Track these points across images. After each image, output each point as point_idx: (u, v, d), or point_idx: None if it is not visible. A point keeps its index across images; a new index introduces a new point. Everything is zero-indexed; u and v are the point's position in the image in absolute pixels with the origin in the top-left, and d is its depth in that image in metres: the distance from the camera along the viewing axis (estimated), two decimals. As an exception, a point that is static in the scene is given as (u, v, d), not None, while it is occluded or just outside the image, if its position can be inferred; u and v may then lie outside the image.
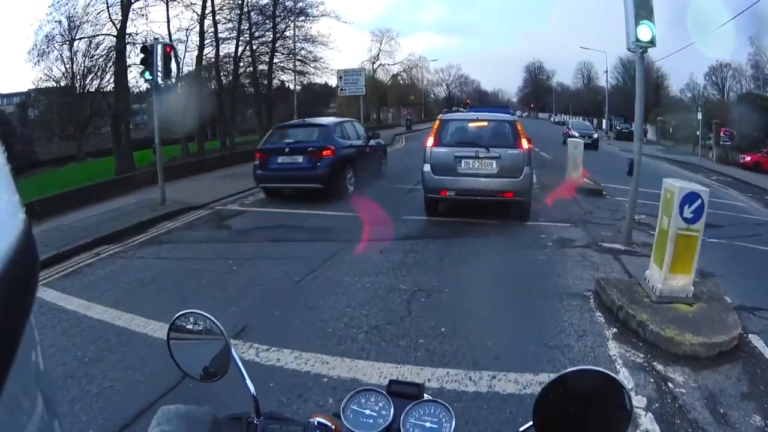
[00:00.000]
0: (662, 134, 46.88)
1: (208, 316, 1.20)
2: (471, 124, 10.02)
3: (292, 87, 41.28)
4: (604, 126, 54.39)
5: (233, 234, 9.26)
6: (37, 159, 29.31)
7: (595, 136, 33.06)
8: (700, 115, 27.52)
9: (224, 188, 13.63)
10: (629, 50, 7.64)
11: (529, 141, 9.46)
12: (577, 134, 26.98)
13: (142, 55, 11.37)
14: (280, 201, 11.92)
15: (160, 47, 11.24)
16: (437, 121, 10.02)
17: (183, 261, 7.62)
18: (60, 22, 24.48)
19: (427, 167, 9.48)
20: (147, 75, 11.30)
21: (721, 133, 29.83)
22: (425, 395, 1.23)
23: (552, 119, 78.13)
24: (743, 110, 30.79)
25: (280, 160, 11.75)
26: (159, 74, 11.11)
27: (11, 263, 0.41)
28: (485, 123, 9.94)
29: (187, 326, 1.22)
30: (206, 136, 32.77)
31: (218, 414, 1.11)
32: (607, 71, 53.05)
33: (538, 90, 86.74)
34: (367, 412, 1.19)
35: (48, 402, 0.54)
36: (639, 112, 7.94)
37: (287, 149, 11.74)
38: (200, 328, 1.21)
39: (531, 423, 1.03)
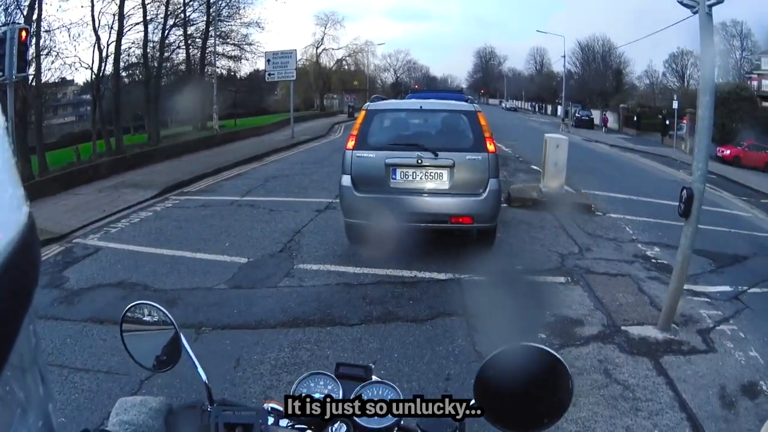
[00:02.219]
0: (625, 122, 44.94)
1: (158, 306, 1.24)
2: (411, 117, 7.34)
3: (235, 74, 39.28)
4: (559, 113, 52.53)
5: (60, 299, 6.19)
6: None
7: None
8: (675, 104, 25.62)
9: (102, 204, 11.04)
10: (683, 3, 4.70)
11: (492, 140, 6.70)
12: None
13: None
14: (150, 232, 8.94)
15: (14, 34, 9.11)
16: (362, 113, 7.04)
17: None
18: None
19: (346, 179, 6.69)
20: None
21: (684, 122, 28.15)
22: (373, 377, 1.30)
23: (504, 105, 78.54)
24: (720, 99, 28.92)
25: None
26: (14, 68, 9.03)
27: (16, 256, 0.41)
28: (433, 115, 7.31)
29: (138, 317, 1.26)
30: (127, 130, 29.66)
31: (173, 403, 1.16)
32: (564, 55, 51.29)
33: (489, 76, 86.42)
34: (317, 395, 1.23)
35: (47, 395, 0.54)
36: (706, 103, 4.76)
37: None
38: (150, 319, 1.26)
39: (473, 402, 1.08)
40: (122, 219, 9.75)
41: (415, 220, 6.54)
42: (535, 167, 14.04)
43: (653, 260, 7.27)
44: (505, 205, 9.17)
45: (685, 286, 5.51)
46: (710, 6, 4.68)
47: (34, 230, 0.47)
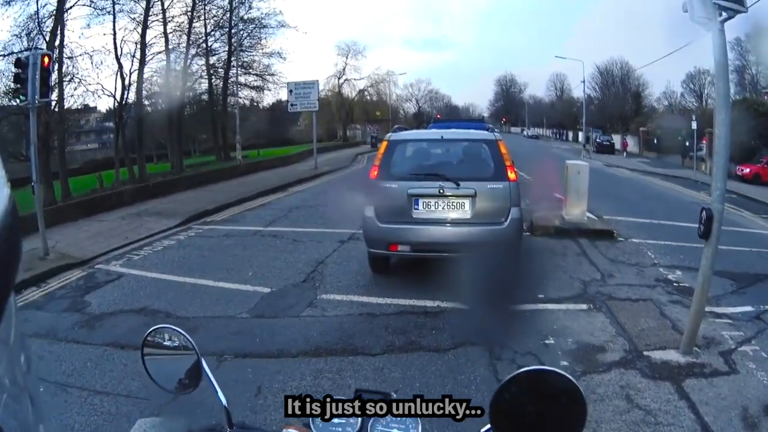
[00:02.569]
0: (645, 145, 44.44)
1: (180, 331, 1.26)
2: (433, 147, 7.33)
3: (258, 104, 39.79)
4: (581, 139, 52.03)
5: (80, 324, 6.22)
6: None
7: None
8: (694, 124, 25.24)
9: (125, 232, 11.13)
10: (696, 21, 4.67)
11: (513, 168, 6.65)
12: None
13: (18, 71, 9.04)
14: (173, 260, 8.94)
15: (37, 59, 8.84)
16: (384, 143, 7.06)
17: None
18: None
19: (369, 211, 6.67)
20: (21, 97, 9.08)
21: (703, 142, 27.67)
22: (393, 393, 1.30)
23: (525, 133, 77.96)
24: (738, 117, 28.39)
25: None
26: (37, 93, 8.76)
27: None
28: (454, 144, 7.29)
29: (160, 342, 1.28)
30: (150, 159, 30.05)
31: (193, 425, 1.23)
32: (584, 80, 51.02)
33: (510, 103, 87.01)
34: (336, 421, 1.25)
35: (32, 400, 0.53)
36: (723, 121, 4.72)
37: None
38: (171, 343, 1.27)
39: (489, 426, 1.08)
40: (145, 246, 9.83)
41: (438, 249, 6.50)
42: (557, 195, 13.94)
43: (675, 283, 7.15)
44: (527, 233, 9.11)
45: (707, 308, 5.44)
46: (722, 22, 4.65)
47: (15, 212, 0.46)
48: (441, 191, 6.39)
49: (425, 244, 6.46)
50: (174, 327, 1.27)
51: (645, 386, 4.49)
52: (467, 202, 6.43)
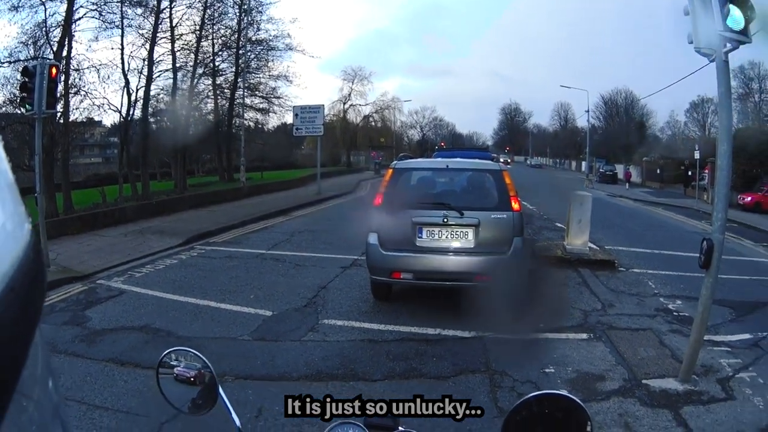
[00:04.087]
0: (647, 175, 44.57)
1: (196, 352, 1.29)
2: (438, 176, 7.34)
3: (263, 127, 39.94)
4: (584, 169, 52.21)
5: (81, 338, 6.23)
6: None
7: None
8: (697, 154, 25.32)
9: (127, 249, 11.19)
10: (700, 52, 4.74)
11: (516, 198, 6.66)
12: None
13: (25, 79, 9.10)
14: (175, 280, 8.93)
15: (45, 69, 8.96)
16: (389, 171, 7.11)
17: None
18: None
19: (373, 238, 6.66)
20: (27, 106, 9.08)
21: (705, 171, 27.67)
22: (400, 427, 1.32)
23: (528, 162, 78.26)
24: (740, 145, 28.39)
25: None
26: (43, 103, 8.86)
27: (20, 273, 0.41)
28: (458, 174, 7.30)
29: (175, 363, 1.29)
30: (154, 176, 30.15)
31: None
32: (588, 110, 51.29)
33: (514, 132, 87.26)
34: None
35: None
36: (725, 152, 4.77)
37: None
38: (186, 365, 1.29)
39: None
40: (147, 264, 9.86)
41: (441, 278, 6.50)
42: (559, 224, 13.95)
43: (675, 313, 7.16)
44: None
45: (706, 337, 5.45)
46: (726, 53, 4.68)
47: (38, 246, 0.47)
48: (445, 220, 6.40)
49: (428, 272, 6.45)
50: (192, 350, 1.29)
51: (643, 414, 4.51)
52: (471, 232, 6.44)
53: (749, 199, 25.91)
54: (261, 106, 35.98)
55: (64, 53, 21.65)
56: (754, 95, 41.50)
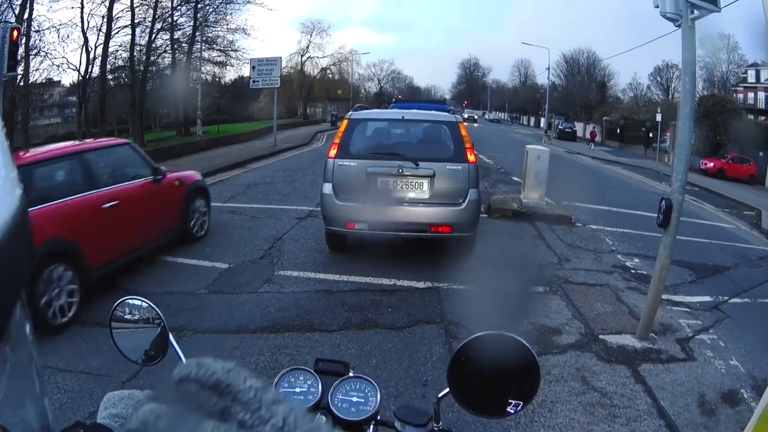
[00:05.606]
0: (607, 134, 45.17)
1: (147, 302, 1.26)
2: (393, 127, 7.28)
3: (220, 80, 38.95)
4: (542, 125, 52.47)
5: None
6: None
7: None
8: (659, 117, 25.73)
9: None
10: (666, 16, 4.74)
11: (472, 150, 6.63)
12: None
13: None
14: None
15: (6, 33, 8.89)
16: (344, 122, 7.00)
17: None
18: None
19: (327, 188, 6.61)
20: None
21: (667, 134, 28.21)
22: (350, 372, 1.33)
23: (486, 116, 78.29)
24: (704, 112, 28.93)
25: None
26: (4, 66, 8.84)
27: (8, 238, 0.41)
28: (414, 125, 7.24)
29: (126, 315, 1.28)
30: (111, 133, 29.34)
31: None
32: (549, 67, 51.29)
33: (473, 87, 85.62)
34: (297, 390, 1.28)
35: (42, 390, 0.55)
36: (687, 115, 4.80)
37: None
38: (138, 316, 1.28)
39: (447, 390, 1.13)
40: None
41: (395, 228, 6.51)
42: (516, 178, 14.04)
43: (632, 270, 7.28)
44: (485, 215, 9.16)
45: (665, 296, 5.57)
46: (693, 20, 4.70)
47: (26, 212, 0.47)
48: (400, 171, 6.39)
49: (383, 223, 6.44)
50: (141, 298, 1.28)
51: (601, 369, 4.58)
52: (426, 182, 6.44)
53: (711, 164, 26.54)
54: (219, 59, 35.21)
55: (26, 15, 21.12)
56: (722, 65, 41.85)
